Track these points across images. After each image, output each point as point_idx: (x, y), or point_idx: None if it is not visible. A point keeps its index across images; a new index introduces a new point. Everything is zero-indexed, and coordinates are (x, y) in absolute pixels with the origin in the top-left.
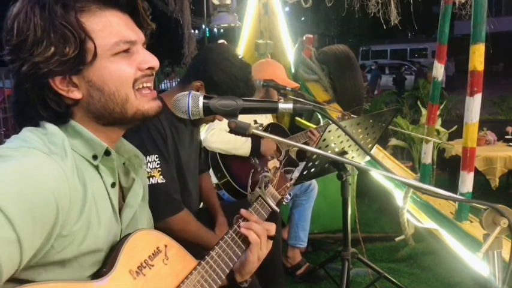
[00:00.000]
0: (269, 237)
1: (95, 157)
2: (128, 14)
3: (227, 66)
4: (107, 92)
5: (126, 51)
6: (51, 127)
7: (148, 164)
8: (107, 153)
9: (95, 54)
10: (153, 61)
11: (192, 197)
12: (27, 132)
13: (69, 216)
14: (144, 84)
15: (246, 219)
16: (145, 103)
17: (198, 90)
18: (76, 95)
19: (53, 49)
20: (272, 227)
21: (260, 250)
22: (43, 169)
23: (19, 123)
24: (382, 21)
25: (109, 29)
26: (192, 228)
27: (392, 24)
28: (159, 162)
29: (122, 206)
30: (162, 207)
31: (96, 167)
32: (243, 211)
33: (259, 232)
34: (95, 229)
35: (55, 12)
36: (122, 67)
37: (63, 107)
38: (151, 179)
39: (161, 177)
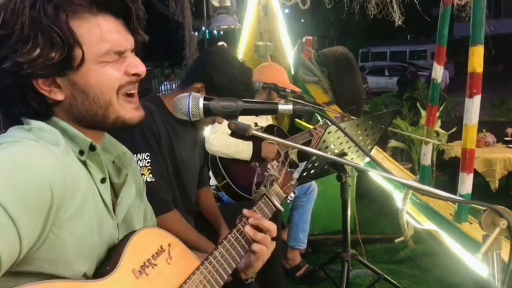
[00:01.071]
0: (271, 238)
1: (81, 152)
2: (121, 19)
3: (228, 68)
4: (91, 95)
5: (115, 60)
6: (36, 123)
7: (139, 162)
8: (92, 148)
9: (82, 60)
10: (141, 67)
11: (190, 198)
12: (11, 130)
13: (64, 198)
14: (128, 91)
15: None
16: (128, 112)
17: (198, 92)
18: (58, 96)
19: (38, 51)
20: (273, 227)
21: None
22: (33, 154)
23: (4, 116)
24: (382, 23)
25: (100, 36)
26: (181, 229)
27: (397, 24)
28: (149, 160)
29: (115, 202)
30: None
31: (84, 163)
32: (245, 211)
33: (262, 239)
34: (92, 217)
35: (45, 12)
36: (109, 71)
37: (44, 106)
38: None
39: (150, 175)
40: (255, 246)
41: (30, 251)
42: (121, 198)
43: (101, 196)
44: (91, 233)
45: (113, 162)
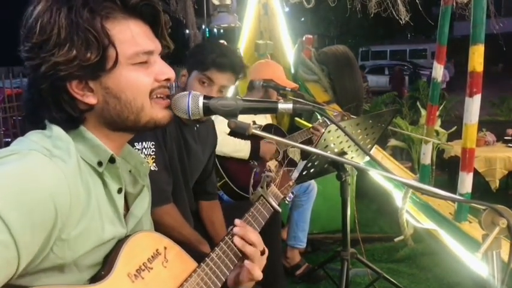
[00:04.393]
0: (261, 253)
1: (100, 164)
2: (149, 25)
3: (201, 44)
4: (124, 100)
5: (145, 61)
6: (57, 130)
7: (144, 149)
8: (112, 160)
9: (116, 62)
10: (170, 73)
11: (192, 197)
12: (31, 134)
13: (68, 220)
14: (161, 95)
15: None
16: (159, 112)
17: (184, 80)
18: (91, 100)
19: (74, 52)
20: (258, 241)
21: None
22: (42, 172)
23: (30, 123)
24: (382, 22)
25: (131, 38)
26: (176, 222)
27: (404, 22)
28: (154, 149)
29: (126, 212)
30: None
31: (101, 174)
32: (237, 221)
33: (251, 252)
34: (98, 234)
35: (81, 15)
36: (140, 77)
37: (77, 111)
38: None
39: (154, 164)
40: (245, 260)
41: (28, 267)
42: (133, 209)
43: (114, 206)
44: (97, 246)
45: (130, 171)
